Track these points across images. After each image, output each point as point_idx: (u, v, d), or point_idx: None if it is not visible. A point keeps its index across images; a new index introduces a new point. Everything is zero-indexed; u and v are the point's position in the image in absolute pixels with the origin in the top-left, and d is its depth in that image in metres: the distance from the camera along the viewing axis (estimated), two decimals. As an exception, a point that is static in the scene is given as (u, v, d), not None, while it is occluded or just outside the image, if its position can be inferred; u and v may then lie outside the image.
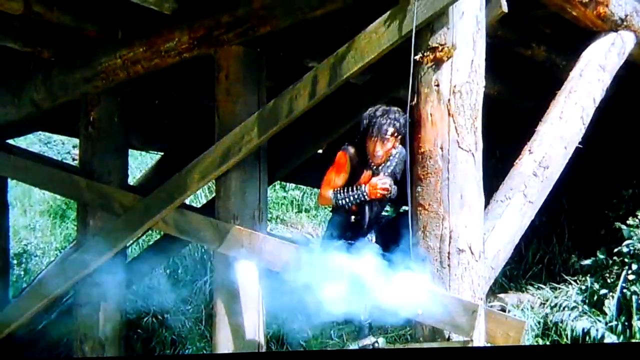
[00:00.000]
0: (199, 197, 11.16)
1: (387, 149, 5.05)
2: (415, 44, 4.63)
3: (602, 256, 6.88)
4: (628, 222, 6.87)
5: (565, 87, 5.76)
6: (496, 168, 6.67)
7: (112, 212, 6.25)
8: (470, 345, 4.37)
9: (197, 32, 5.78)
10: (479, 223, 4.67)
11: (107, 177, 6.43)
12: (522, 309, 6.85)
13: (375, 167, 5.14)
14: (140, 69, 6.10)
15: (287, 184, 11.52)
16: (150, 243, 9.08)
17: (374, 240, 5.21)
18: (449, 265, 4.55)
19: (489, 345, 4.53)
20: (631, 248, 6.59)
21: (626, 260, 6.61)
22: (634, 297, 6.38)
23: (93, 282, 6.28)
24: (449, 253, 4.55)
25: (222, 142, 5.56)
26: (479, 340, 4.43)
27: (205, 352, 7.49)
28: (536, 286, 7.37)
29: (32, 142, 13.79)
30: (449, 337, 4.52)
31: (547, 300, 7.01)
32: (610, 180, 8.06)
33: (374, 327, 5.36)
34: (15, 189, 11.88)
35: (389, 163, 5.15)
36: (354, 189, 5.12)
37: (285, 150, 6.64)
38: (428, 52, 4.65)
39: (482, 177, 4.70)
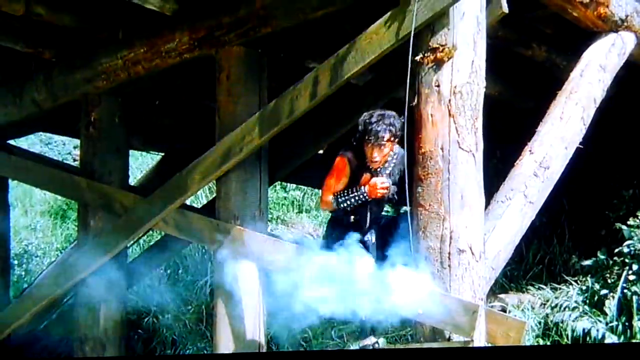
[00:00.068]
0: (200, 197, 11.17)
1: (384, 153, 5.08)
2: (415, 44, 4.63)
3: (602, 256, 6.89)
4: (628, 222, 6.88)
5: (566, 87, 5.76)
6: (497, 168, 6.68)
7: (112, 212, 6.26)
8: (470, 345, 4.38)
9: (198, 32, 5.78)
10: (479, 223, 4.67)
11: (108, 178, 6.44)
12: (522, 310, 6.85)
13: (373, 170, 5.16)
14: (141, 69, 6.10)
15: (288, 184, 11.52)
16: (151, 243, 9.09)
17: (373, 240, 5.22)
18: (449, 266, 4.55)
19: (489, 345, 4.53)
20: (632, 248, 6.59)
21: (627, 260, 6.61)
22: (634, 298, 6.38)
23: (94, 283, 6.28)
24: (449, 253, 4.56)
25: (223, 143, 5.57)
26: (479, 340, 4.43)
27: (205, 352, 7.50)
28: (537, 286, 7.37)
29: (33, 142, 13.80)
30: (449, 337, 4.53)
31: (547, 301, 7.01)
32: (611, 180, 8.06)
33: (375, 327, 5.36)
34: (16, 189, 11.89)
35: (386, 165, 5.18)
36: (354, 190, 5.14)
37: (286, 150, 6.64)
38: (429, 53, 4.65)
39: (482, 177, 4.70)
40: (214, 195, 6.34)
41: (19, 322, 6.74)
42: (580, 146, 5.58)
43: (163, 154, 9.16)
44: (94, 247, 6.22)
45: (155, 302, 8.18)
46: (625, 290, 6.47)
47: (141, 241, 9.64)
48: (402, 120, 4.80)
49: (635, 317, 6.29)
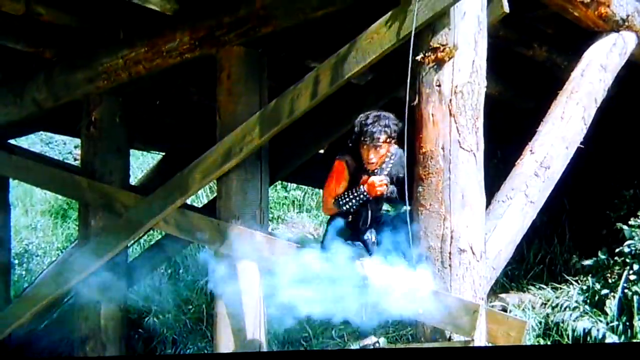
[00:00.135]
0: (200, 197, 11.17)
1: (381, 155, 5.06)
2: (416, 44, 4.63)
3: (603, 256, 6.88)
4: (629, 222, 6.87)
5: (567, 87, 5.76)
6: (497, 168, 6.67)
7: (113, 212, 6.26)
8: (471, 345, 4.37)
9: (199, 32, 5.78)
10: (480, 223, 4.67)
11: (109, 177, 6.44)
12: (523, 309, 6.85)
13: (370, 172, 5.15)
14: (141, 69, 6.10)
15: (289, 184, 11.52)
16: (152, 243, 9.09)
17: (374, 239, 5.21)
18: (450, 265, 4.55)
19: (490, 345, 4.53)
20: (632, 248, 6.59)
21: (627, 260, 6.61)
22: (635, 297, 6.38)
23: (94, 282, 6.28)
24: (450, 253, 4.56)
25: (224, 142, 5.57)
26: (480, 340, 4.43)
27: (206, 351, 7.50)
28: (537, 286, 7.36)
29: (33, 142, 13.80)
30: (450, 337, 4.53)
31: (548, 301, 7.01)
32: (612, 180, 8.05)
33: (375, 327, 5.35)
34: (17, 188, 11.89)
35: (384, 165, 5.15)
36: (354, 191, 5.13)
37: (286, 150, 6.64)
38: (429, 53, 4.65)
39: (483, 177, 4.70)
40: (214, 195, 6.34)
41: (20, 321, 6.73)
42: (581, 146, 5.58)
43: (164, 153, 9.17)
44: (94, 247, 6.22)
45: (155, 301, 8.18)
46: (626, 290, 6.47)
47: (141, 241, 9.64)
48: (400, 121, 4.78)
49: (636, 317, 6.29)
